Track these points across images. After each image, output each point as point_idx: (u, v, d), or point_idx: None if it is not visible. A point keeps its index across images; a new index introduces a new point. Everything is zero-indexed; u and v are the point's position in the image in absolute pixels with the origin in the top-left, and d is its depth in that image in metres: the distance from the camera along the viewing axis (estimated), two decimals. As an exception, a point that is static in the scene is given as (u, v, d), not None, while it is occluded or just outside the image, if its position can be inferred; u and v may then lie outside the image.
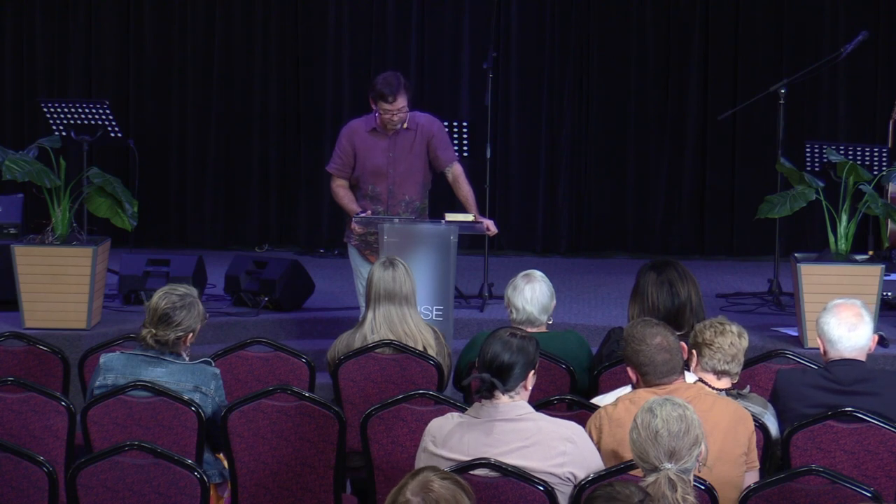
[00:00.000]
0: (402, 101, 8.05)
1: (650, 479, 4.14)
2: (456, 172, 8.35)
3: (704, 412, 4.73)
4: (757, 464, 5.13)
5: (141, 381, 5.61)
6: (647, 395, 4.95)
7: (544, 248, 12.24)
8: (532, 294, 6.37)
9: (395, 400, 5.61)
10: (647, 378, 5.09)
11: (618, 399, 5.15)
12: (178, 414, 5.57)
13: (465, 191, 8.32)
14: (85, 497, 4.95)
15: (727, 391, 5.43)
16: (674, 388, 5.02)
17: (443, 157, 8.29)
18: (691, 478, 4.27)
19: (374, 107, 8.13)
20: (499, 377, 4.79)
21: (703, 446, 4.30)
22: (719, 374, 5.45)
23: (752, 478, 5.07)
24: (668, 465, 4.18)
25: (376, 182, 8.22)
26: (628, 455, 4.70)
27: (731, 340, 5.44)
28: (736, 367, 5.48)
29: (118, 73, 12.41)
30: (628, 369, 5.17)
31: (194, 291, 5.85)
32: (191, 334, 5.74)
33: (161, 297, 5.71)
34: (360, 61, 12.29)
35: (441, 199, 8.93)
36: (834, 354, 5.61)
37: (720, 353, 5.43)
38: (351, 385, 6.37)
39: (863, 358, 5.62)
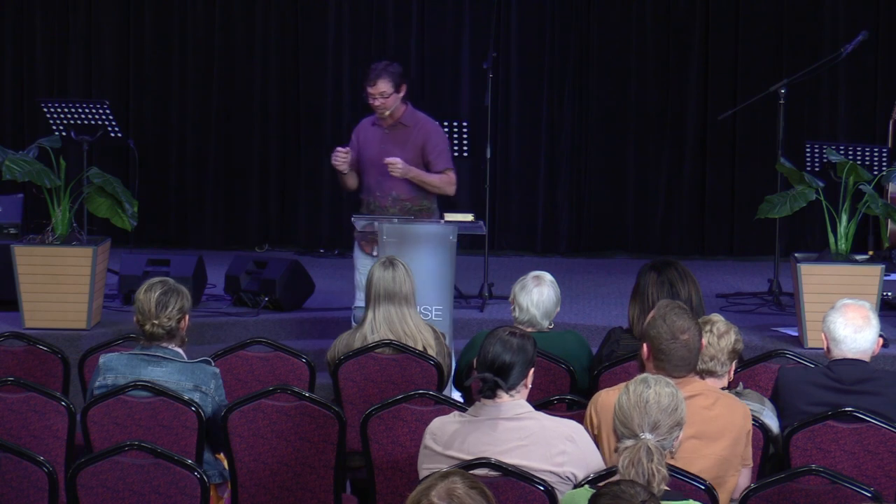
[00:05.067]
0: (383, 86, 8.18)
1: (628, 443, 4.22)
2: (446, 180, 8.39)
3: (707, 407, 4.75)
4: (751, 461, 5.12)
5: (141, 381, 5.61)
6: None
7: (544, 248, 12.24)
8: (539, 297, 6.38)
9: (395, 400, 5.61)
10: (660, 364, 5.04)
11: (620, 386, 5.12)
12: (178, 414, 5.57)
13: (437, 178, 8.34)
14: (85, 497, 4.95)
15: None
16: (680, 381, 5.01)
17: (434, 161, 8.33)
18: (666, 455, 4.28)
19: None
20: (500, 377, 4.81)
21: (680, 433, 4.35)
22: (701, 373, 5.39)
23: (745, 475, 5.07)
24: (649, 436, 4.26)
25: (371, 173, 8.34)
26: None
27: (709, 340, 5.36)
28: (718, 367, 5.38)
29: (118, 73, 12.41)
30: (644, 345, 5.12)
31: (167, 279, 5.90)
32: (187, 315, 5.77)
33: (147, 291, 5.76)
34: (360, 61, 12.27)
35: (441, 198, 8.92)
36: (837, 354, 5.61)
37: None
38: (351, 385, 6.37)
39: (867, 359, 5.62)
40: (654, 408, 4.32)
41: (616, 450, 4.31)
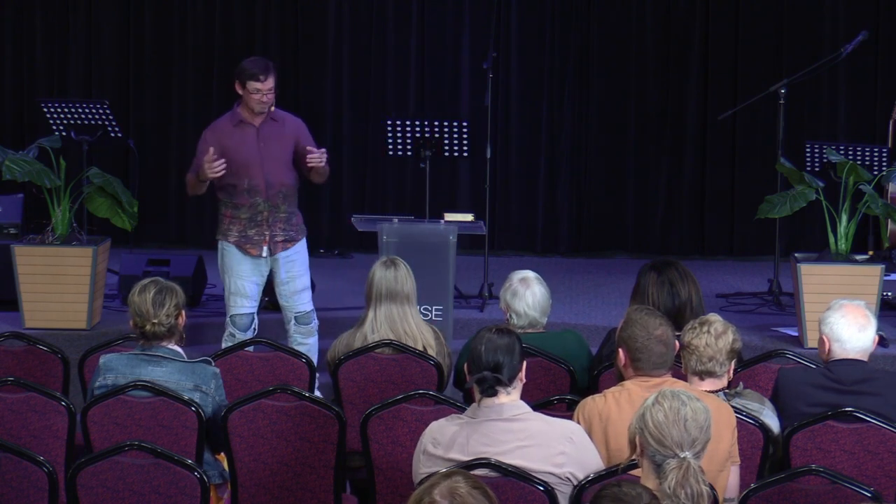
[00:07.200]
0: (272, 82, 7.98)
1: (673, 463, 4.02)
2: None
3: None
4: (738, 459, 5.12)
5: (141, 381, 5.61)
6: (635, 389, 4.95)
7: (544, 248, 12.24)
8: (534, 298, 6.38)
9: (395, 400, 5.62)
10: (638, 365, 5.06)
11: (605, 392, 5.13)
12: (178, 414, 5.57)
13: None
14: (85, 497, 4.95)
15: (725, 392, 5.41)
16: (661, 381, 5.01)
17: (312, 150, 8.06)
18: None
19: (241, 91, 8.00)
20: (498, 374, 4.83)
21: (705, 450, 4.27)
22: (700, 374, 5.39)
23: (735, 472, 5.06)
24: (689, 454, 4.06)
25: (251, 175, 8.04)
26: (612, 449, 4.74)
27: (707, 341, 5.33)
28: (717, 367, 5.35)
29: (118, 73, 12.41)
30: (619, 350, 5.13)
31: (157, 278, 5.91)
32: (183, 311, 5.79)
33: (140, 293, 5.77)
34: (360, 61, 12.29)
35: (441, 198, 8.96)
36: (839, 354, 5.60)
37: (695, 355, 5.37)
38: (351, 385, 6.37)
39: (865, 358, 5.62)
40: (693, 425, 4.10)
41: (634, 462, 4.24)
